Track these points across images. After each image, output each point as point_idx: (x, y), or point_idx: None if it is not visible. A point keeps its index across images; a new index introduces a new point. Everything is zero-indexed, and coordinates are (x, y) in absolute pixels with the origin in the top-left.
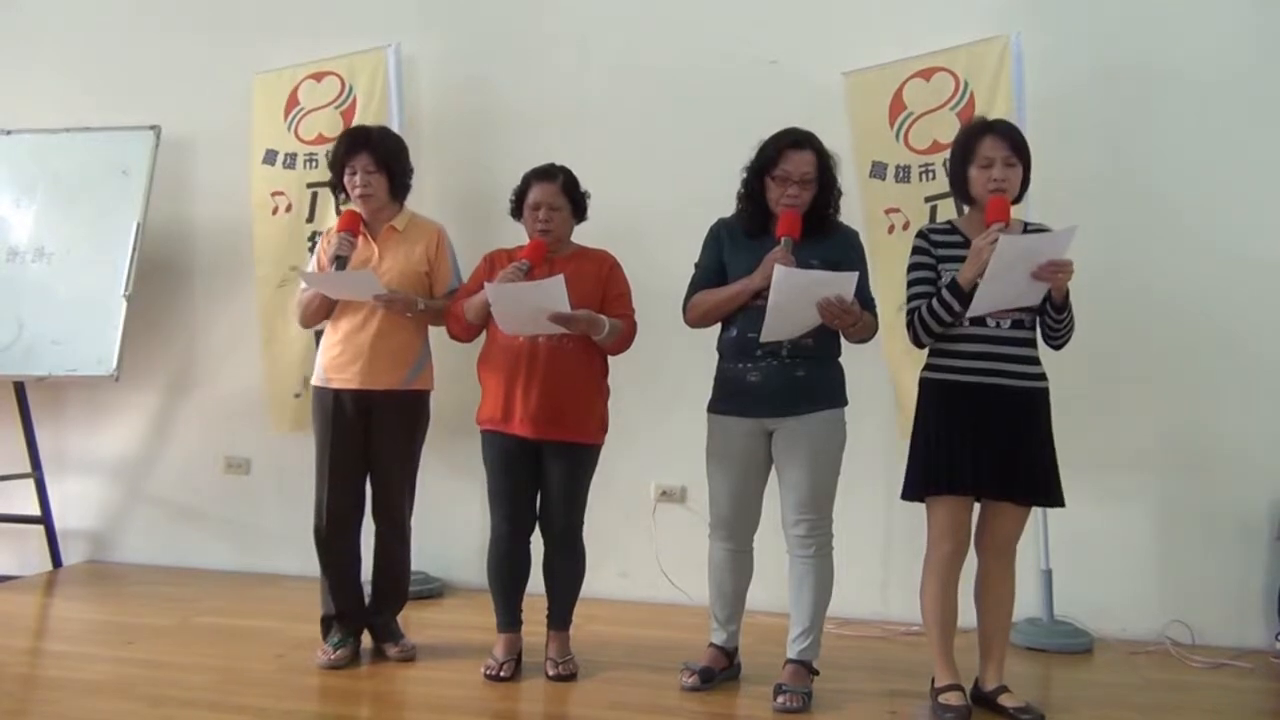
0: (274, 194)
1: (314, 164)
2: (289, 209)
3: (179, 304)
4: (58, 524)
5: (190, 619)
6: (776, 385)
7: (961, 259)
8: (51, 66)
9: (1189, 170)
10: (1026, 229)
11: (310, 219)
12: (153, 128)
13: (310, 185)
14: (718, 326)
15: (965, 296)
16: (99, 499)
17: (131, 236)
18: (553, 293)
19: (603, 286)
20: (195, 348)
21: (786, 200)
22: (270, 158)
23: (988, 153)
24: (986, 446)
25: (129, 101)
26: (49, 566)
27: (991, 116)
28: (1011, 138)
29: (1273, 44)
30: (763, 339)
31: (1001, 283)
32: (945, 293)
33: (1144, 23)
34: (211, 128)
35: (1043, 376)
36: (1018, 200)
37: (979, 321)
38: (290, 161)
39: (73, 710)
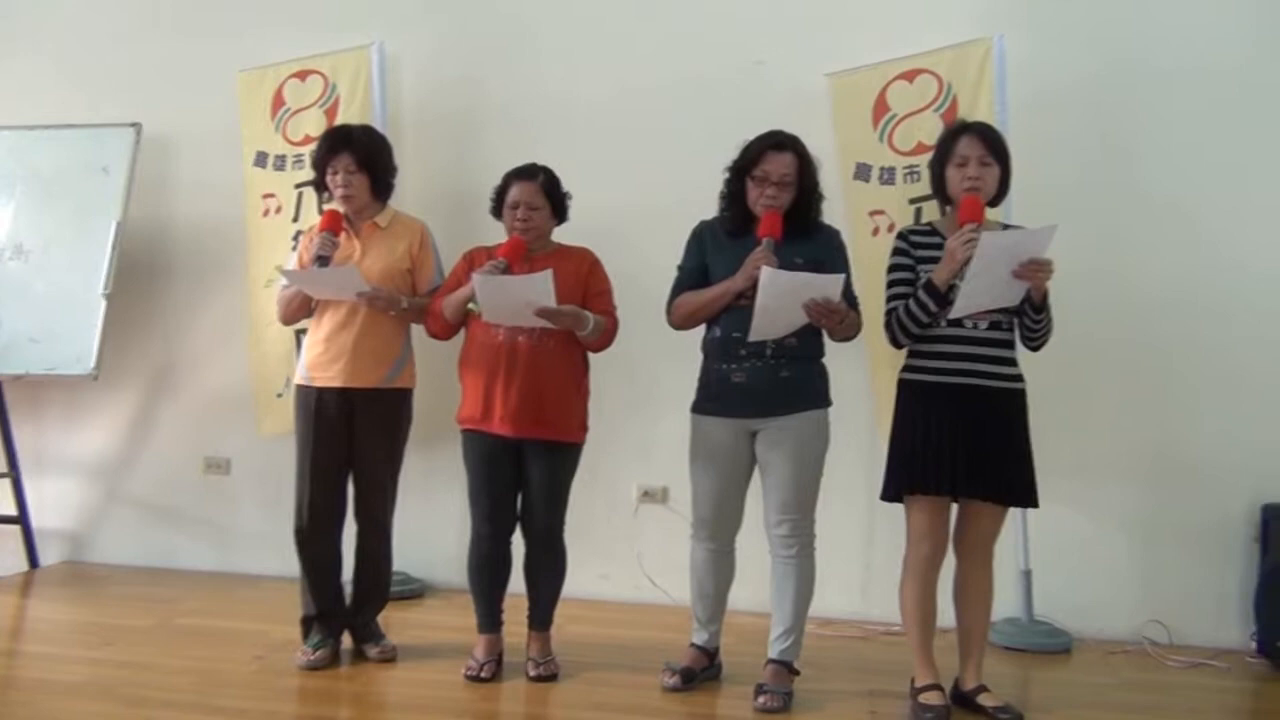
0: (265, 196)
1: (301, 164)
2: (279, 210)
3: (159, 303)
4: (35, 524)
5: (169, 620)
6: (761, 386)
7: (940, 259)
8: (31, 63)
9: (1172, 174)
10: (1007, 230)
11: (295, 218)
12: (133, 125)
13: (297, 186)
14: (702, 327)
15: (941, 297)
16: (77, 499)
17: (111, 234)
18: (540, 288)
19: (584, 284)
20: (175, 347)
21: (765, 201)
22: (261, 160)
23: (963, 151)
24: (963, 447)
25: (109, 98)
26: (26, 567)
27: (974, 118)
28: (988, 138)
29: (1258, 49)
30: (751, 338)
31: (983, 282)
32: (921, 293)
33: (1127, 26)
34: (193, 125)
35: (1020, 378)
36: (997, 202)
37: (956, 323)
38: (280, 164)
39: (50, 712)
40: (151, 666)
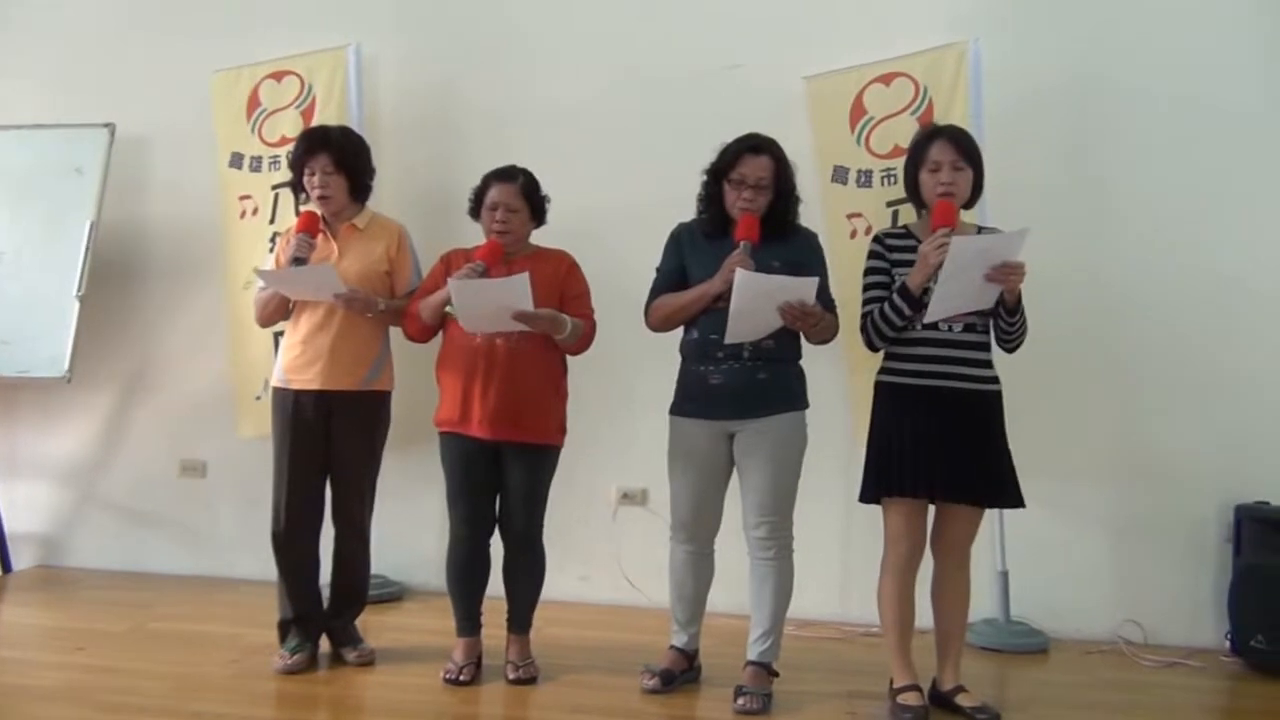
0: (242, 198)
1: (277, 166)
2: (255, 212)
3: (133, 304)
4: (7, 528)
5: (144, 624)
6: (738, 388)
7: (915, 262)
8: (3, 63)
9: (1144, 179)
10: (981, 233)
11: (272, 220)
12: (107, 125)
13: (274, 187)
14: (680, 328)
15: (915, 300)
16: (50, 502)
17: (85, 236)
18: (517, 291)
19: (561, 287)
20: (150, 349)
21: (741, 204)
22: (236, 161)
23: (936, 157)
24: (939, 449)
25: (82, 99)
26: None
27: (949, 122)
28: (960, 142)
29: (1226, 60)
30: (727, 340)
31: (956, 285)
32: (896, 297)
33: (1101, 31)
34: (167, 126)
35: (995, 380)
36: (970, 205)
37: (931, 325)
38: (256, 165)
39: (23, 718)
40: (126, 671)
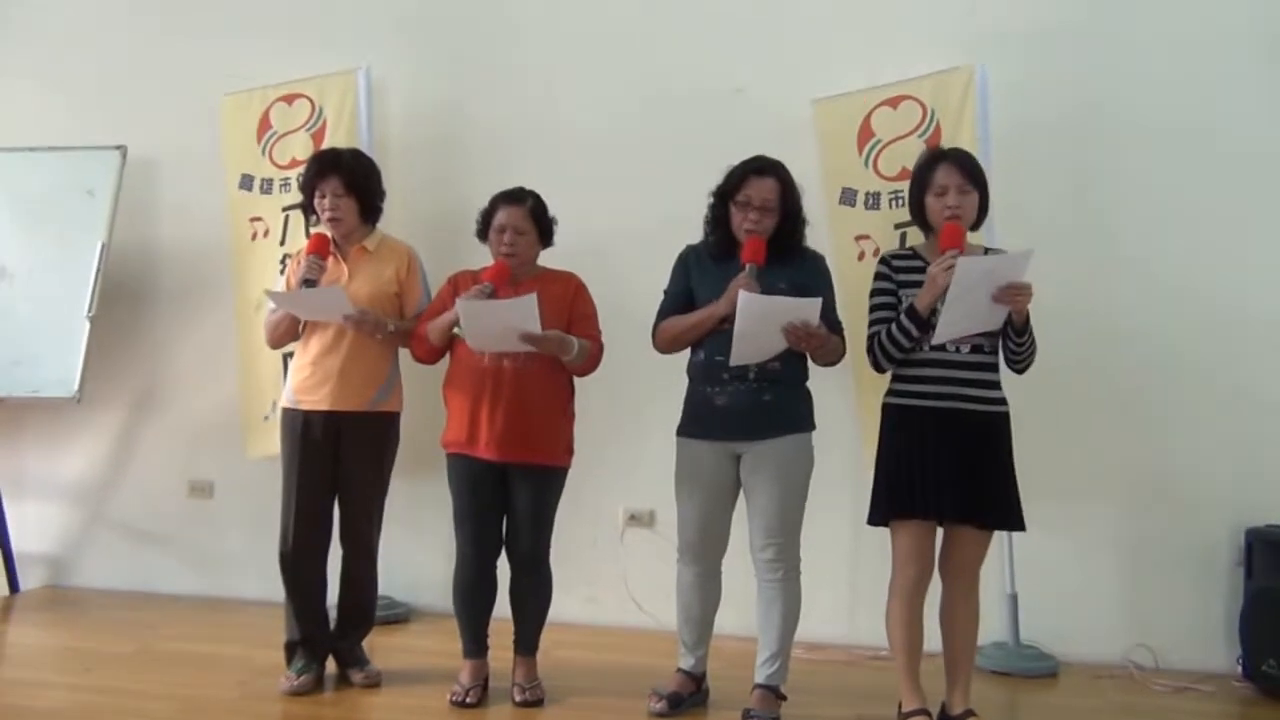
0: (252, 220)
1: (288, 188)
2: (266, 234)
3: (143, 325)
4: (16, 548)
5: (151, 645)
6: (744, 409)
7: (922, 284)
8: (16, 85)
9: (1147, 204)
10: (988, 254)
11: (282, 242)
12: (119, 147)
13: (285, 209)
14: (688, 350)
15: (922, 322)
16: (58, 523)
17: (96, 257)
18: (525, 312)
19: (569, 308)
20: (159, 370)
21: (748, 226)
22: (246, 183)
23: (942, 180)
24: (948, 471)
25: (95, 121)
26: (5, 592)
27: (956, 145)
28: (966, 165)
29: (1230, 87)
30: (732, 362)
31: (963, 307)
32: (903, 318)
33: (1105, 58)
34: (179, 148)
35: (1003, 401)
36: (976, 227)
37: (939, 347)
38: (267, 187)
39: None
40: (132, 692)
